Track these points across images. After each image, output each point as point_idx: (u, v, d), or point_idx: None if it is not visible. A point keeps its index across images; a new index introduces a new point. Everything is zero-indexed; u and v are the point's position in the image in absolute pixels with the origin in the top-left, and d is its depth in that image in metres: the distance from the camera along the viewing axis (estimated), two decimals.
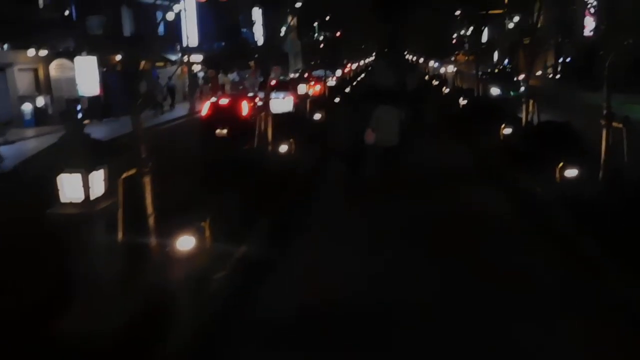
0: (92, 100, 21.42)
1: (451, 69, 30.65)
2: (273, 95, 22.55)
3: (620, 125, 7.40)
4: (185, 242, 5.24)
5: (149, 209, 5.09)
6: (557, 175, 8.04)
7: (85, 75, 21.86)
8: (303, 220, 7.93)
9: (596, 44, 32.14)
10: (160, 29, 32.03)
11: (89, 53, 22.06)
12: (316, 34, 62.13)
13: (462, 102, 18.46)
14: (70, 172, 4.16)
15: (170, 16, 27.57)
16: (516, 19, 48.97)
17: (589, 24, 33.91)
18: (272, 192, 8.18)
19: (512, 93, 22.75)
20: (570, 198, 7.27)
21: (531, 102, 11.63)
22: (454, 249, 6.65)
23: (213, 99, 17.16)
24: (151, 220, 5.10)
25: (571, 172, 7.87)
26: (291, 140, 10.89)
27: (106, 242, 4.38)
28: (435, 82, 30.06)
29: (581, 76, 32.54)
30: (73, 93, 21.63)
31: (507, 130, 11.70)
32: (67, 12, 22.69)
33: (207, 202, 6.50)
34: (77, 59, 21.86)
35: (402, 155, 9.53)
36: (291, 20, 50.08)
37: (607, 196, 7.03)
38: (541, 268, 6.05)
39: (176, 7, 27.46)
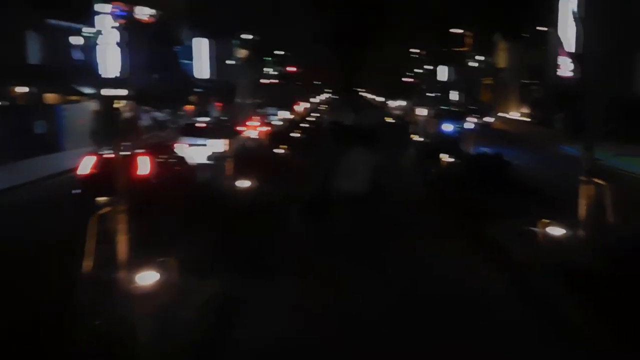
0: None
1: (423, 111, 25.86)
2: (198, 141, 17.30)
3: None
4: None
5: None
6: None
7: None
8: None
9: (573, 85, 28.20)
10: (79, 57, 26.87)
11: None
12: (269, 69, 58.05)
13: (448, 159, 13.91)
14: None
15: (78, 40, 22.56)
16: (480, 58, 46.23)
17: (565, 64, 30.18)
18: None
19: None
20: None
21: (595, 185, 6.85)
22: None
23: (102, 151, 11.60)
24: None
25: None
26: (169, 260, 5.71)
27: None
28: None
29: (555, 121, 28.77)
30: None
31: (554, 231, 6.93)
32: None
33: None
34: None
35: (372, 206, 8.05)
36: (243, 55, 45.64)
37: None
38: None
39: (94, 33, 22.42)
